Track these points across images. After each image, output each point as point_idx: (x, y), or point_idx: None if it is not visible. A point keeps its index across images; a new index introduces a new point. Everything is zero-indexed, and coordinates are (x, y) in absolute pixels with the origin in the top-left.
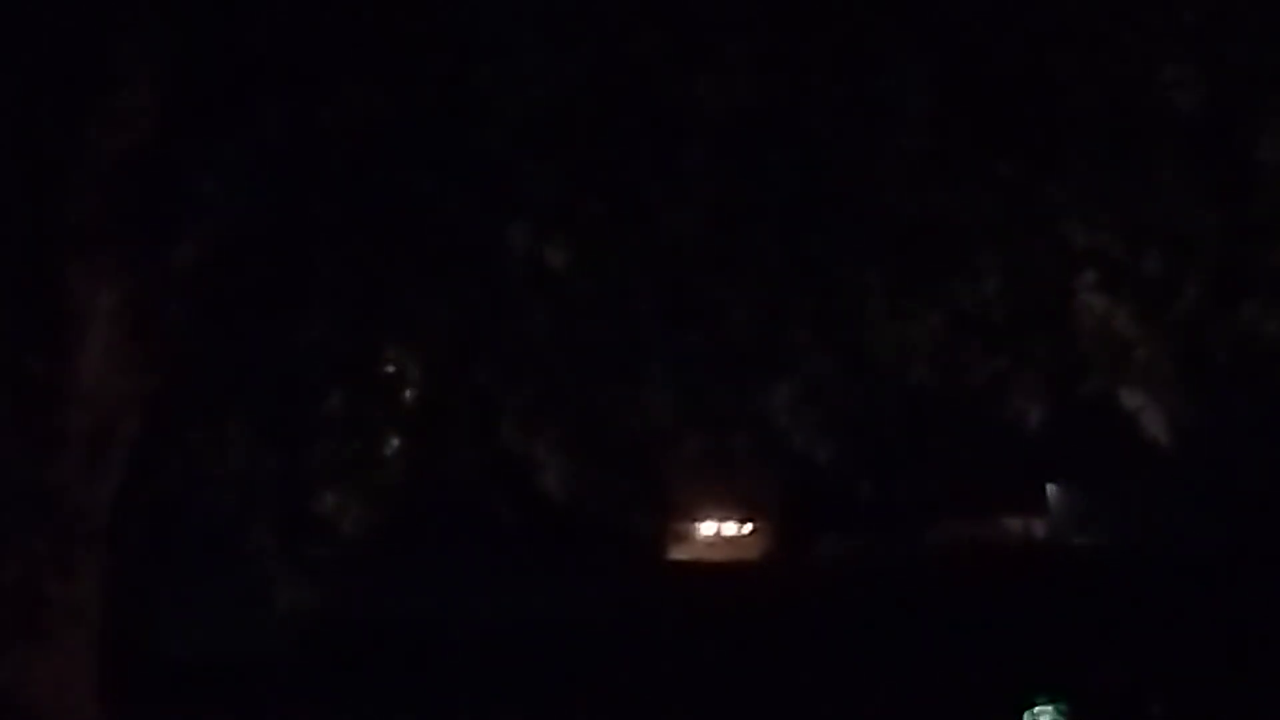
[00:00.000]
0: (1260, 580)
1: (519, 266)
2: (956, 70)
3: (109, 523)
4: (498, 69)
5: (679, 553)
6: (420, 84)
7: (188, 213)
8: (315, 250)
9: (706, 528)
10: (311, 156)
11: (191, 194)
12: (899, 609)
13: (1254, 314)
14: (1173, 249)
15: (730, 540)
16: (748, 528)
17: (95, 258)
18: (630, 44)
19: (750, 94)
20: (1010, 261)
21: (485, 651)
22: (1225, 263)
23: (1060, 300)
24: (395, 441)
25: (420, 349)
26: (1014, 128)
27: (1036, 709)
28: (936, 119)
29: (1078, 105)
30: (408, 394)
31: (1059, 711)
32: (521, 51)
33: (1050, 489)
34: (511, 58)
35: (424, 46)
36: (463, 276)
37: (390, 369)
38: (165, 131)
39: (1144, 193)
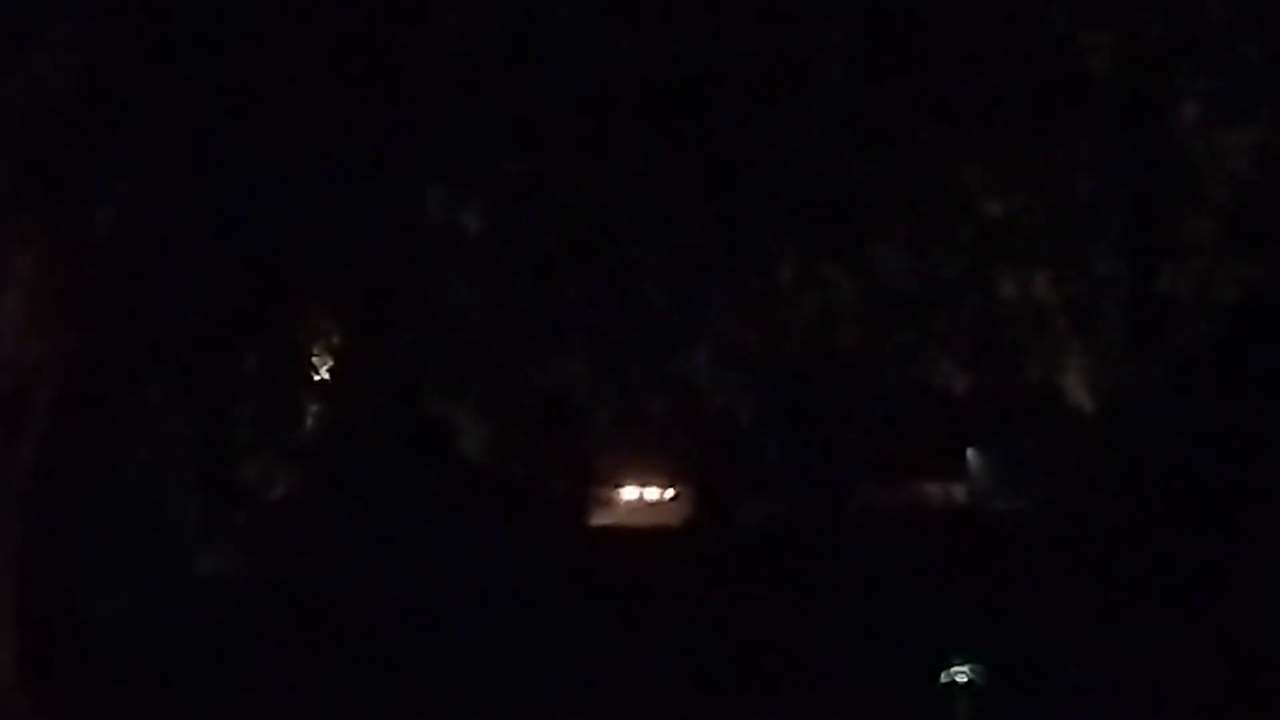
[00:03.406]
0: (1174, 544)
1: (437, 231)
2: (875, 40)
3: (28, 488)
4: (418, 30)
5: (601, 518)
6: (339, 45)
7: (106, 176)
8: (234, 214)
9: (629, 493)
10: (229, 120)
11: (110, 157)
12: (819, 573)
13: (1168, 280)
14: (1087, 217)
15: (652, 506)
16: (670, 493)
17: (13, 221)
18: (552, 7)
19: (671, 60)
20: (926, 230)
21: (406, 616)
22: (1140, 230)
23: (976, 268)
24: (315, 407)
25: (339, 313)
26: (931, 98)
27: (953, 669)
28: (855, 89)
29: (995, 75)
30: (327, 359)
31: (975, 672)
32: (442, 13)
33: (970, 454)
34: (432, 19)
35: (342, 7)
36: (381, 240)
37: (310, 333)
38: (83, 95)
39: (1059, 162)
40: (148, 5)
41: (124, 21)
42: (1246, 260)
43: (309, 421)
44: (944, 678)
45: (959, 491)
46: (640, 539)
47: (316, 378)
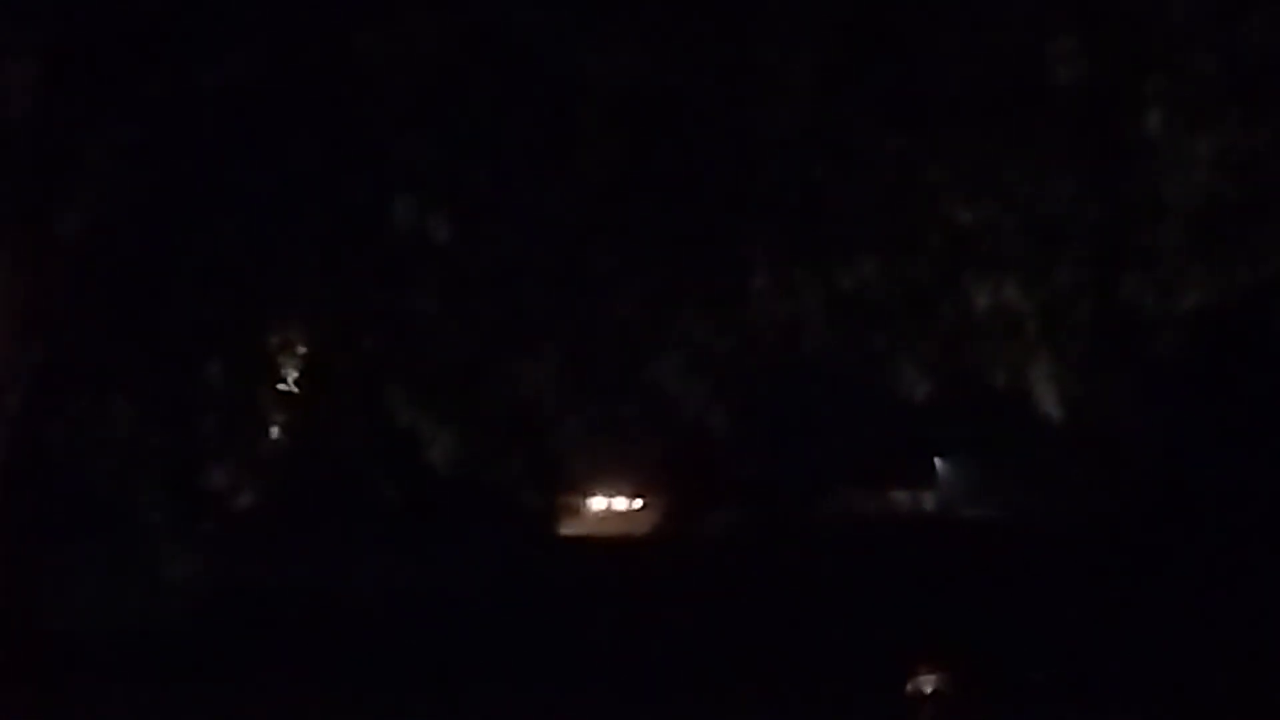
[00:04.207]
0: (1143, 551)
1: (404, 239)
2: (840, 46)
3: None
4: (380, 37)
5: (570, 528)
6: (304, 54)
7: (70, 185)
8: (200, 222)
9: (598, 502)
10: (195, 128)
11: (74, 166)
12: (788, 580)
13: (1134, 288)
14: (1054, 225)
15: (622, 515)
16: (639, 502)
17: None
18: (516, 14)
19: (637, 67)
20: (894, 237)
21: (374, 625)
22: (1106, 238)
23: (944, 276)
24: (283, 414)
25: (307, 322)
26: (899, 106)
27: (920, 678)
28: (821, 95)
29: (962, 83)
30: (295, 367)
31: (942, 680)
32: (404, 18)
33: (939, 462)
34: (394, 24)
35: (305, 13)
36: (348, 249)
37: (277, 342)
38: (45, 104)
39: (1026, 169)
40: (109, 14)
41: (85, 30)
42: (1212, 268)
43: (276, 429)
44: (910, 686)
45: (928, 499)
46: (610, 548)
47: (284, 385)
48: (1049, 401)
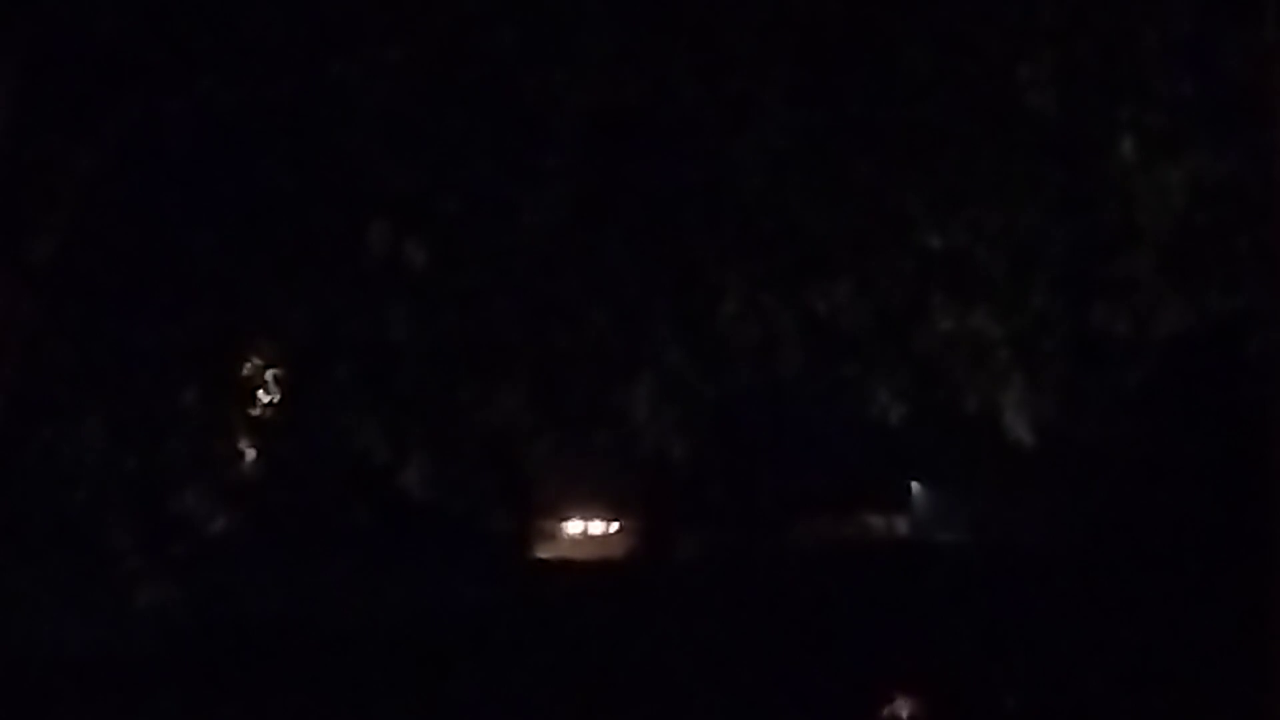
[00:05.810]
0: (1118, 576)
1: (377, 263)
2: (814, 73)
3: None
4: (353, 61)
5: (546, 551)
6: (276, 76)
7: (43, 207)
8: (174, 245)
9: (573, 526)
10: (169, 151)
11: (46, 188)
12: (761, 606)
13: (1107, 315)
14: (1027, 251)
15: (597, 539)
16: (614, 526)
17: None
18: (487, 38)
19: (610, 91)
20: (867, 262)
21: (347, 650)
22: (1079, 264)
23: (916, 301)
24: (256, 438)
25: (279, 346)
26: (871, 129)
27: (895, 703)
28: (794, 120)
29: (934, 107)
30: (267, 391)
31: (917, 706)
32: (377, 44)
33: (914, 486)
34: (367, 50)
35: (279, 37)
36: (321, 273)
37: (249, 366)
38: (18, 126)
39: (998, 195)
40: (82, 38)
41: (57, 52)
42: (1185, 295)
43: (249, 454)
44: (885, 712)
45: (903, 523)
46: (585, 572)
47: (257, 411)
48: (1021, 428)
